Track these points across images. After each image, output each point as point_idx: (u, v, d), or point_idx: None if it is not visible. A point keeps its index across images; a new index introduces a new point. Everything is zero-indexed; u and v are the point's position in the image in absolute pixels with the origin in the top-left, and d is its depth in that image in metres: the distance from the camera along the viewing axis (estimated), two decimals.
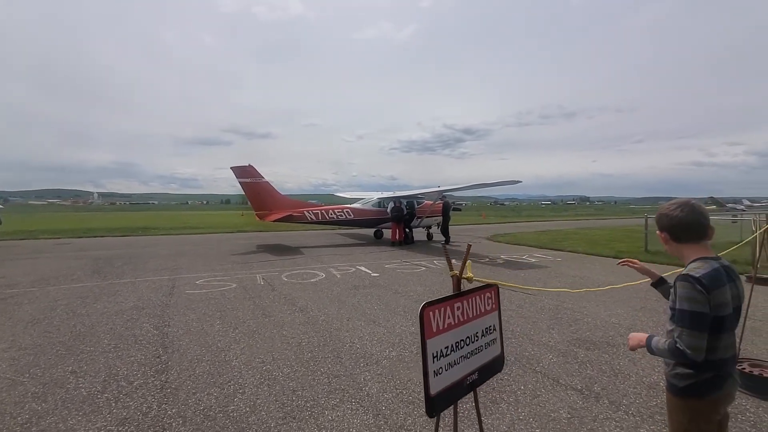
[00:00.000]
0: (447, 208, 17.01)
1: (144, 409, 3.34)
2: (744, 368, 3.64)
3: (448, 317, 1.82)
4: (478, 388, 2.01)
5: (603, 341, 4.92)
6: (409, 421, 3.15)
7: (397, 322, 5.70)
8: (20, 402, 3.44)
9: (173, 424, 3.12)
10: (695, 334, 1.64)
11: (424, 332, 1.69)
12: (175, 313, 6.22)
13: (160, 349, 4.68)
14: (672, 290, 1.77)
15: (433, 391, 1.67)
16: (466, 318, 1.92)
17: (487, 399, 3.47)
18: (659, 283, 2.15)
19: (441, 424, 2.22)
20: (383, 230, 17.88)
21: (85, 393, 3.61)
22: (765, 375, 3.56)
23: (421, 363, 1.71)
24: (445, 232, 16.81)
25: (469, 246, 2.29)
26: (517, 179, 13.84)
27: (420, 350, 1.71)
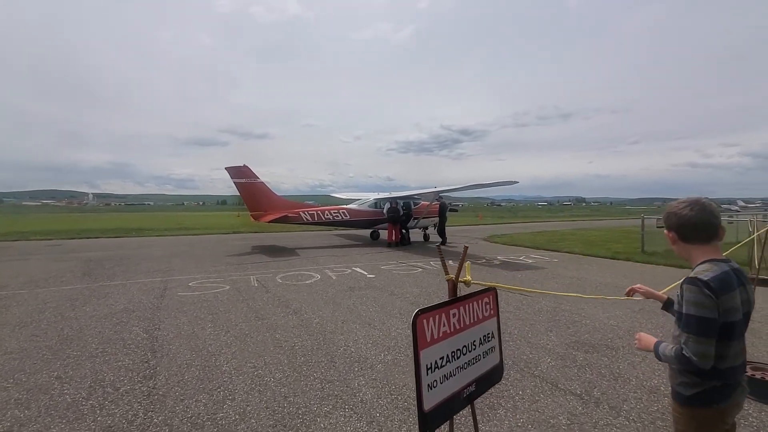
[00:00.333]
0: (444, 209, 16.95)
1: (129, 416, 3.23)
2: (746, 372, 3.57)
3: (444, 325, 1.70)
4: None
5: (602, 344, 4.84)
6: (404, 429, 3.05)
7: (392, 325, 5.61)
8: (2, 409, 3.33)
9: None
10: (702, 340, 1.55)
11: (417, 342, 1.57)
12: (166, 316, 6.09)
13: (148, 354, 4.56)
14: (678, 293, 1.69)
15: (427, 407, 1.55)
16: (462, 325, 1.81)
17: (485, 405, 3.37)
18: (668, 305, 2.02)
19: None
20: (379, 231, 17.78)
21: (69, 399, 3.50)
22: (767, 378, 3.50)
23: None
24: (441, 233, 16.76)
25: (466, 248, 2.19)
26: (513, 180, 13.81)
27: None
